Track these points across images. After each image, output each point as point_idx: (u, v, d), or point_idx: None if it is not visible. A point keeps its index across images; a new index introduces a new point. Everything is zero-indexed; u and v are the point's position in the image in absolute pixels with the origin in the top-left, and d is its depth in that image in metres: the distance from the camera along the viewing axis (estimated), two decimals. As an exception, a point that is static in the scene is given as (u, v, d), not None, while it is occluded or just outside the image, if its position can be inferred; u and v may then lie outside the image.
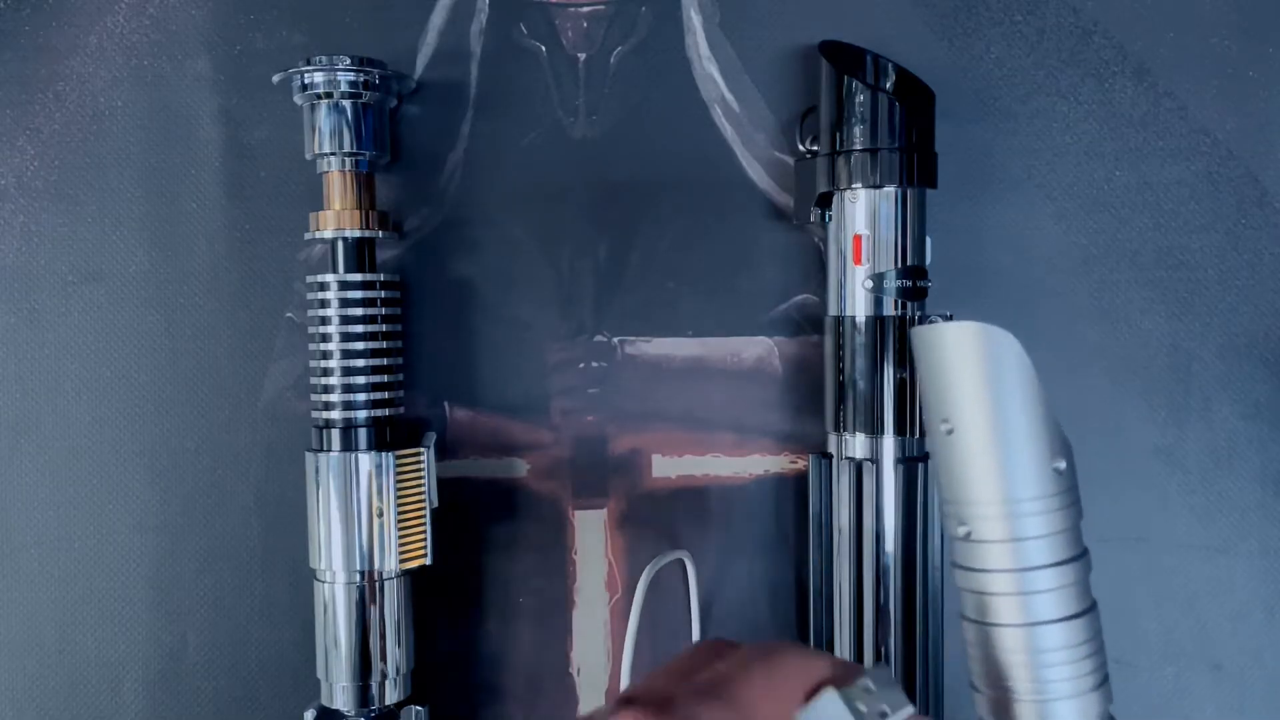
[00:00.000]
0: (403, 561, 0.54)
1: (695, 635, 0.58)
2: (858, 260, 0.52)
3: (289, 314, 0.58)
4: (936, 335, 0.37)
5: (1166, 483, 0.57)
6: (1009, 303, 0.56)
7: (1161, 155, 0.56)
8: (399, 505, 0.54)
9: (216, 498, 0.59)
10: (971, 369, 0.37)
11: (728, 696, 0.32)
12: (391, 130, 0.57)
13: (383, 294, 0.55)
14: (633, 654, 0.56)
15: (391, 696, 0.54)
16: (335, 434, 0.53)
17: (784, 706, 0.32)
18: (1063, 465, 0.37)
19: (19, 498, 0.59)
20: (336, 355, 0.53)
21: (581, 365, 0.58)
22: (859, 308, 0.52)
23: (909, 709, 0.31)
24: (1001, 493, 0.37)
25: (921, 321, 0.51)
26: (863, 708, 0.31)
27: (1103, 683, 0.39)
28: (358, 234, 0.54)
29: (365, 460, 0.53)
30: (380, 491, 0.53)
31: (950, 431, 0.37)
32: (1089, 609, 0.38)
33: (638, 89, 0.58)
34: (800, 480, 0.57)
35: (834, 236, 0.53)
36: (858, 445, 0.53)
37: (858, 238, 0.52)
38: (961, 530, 0.38)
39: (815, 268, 0.57)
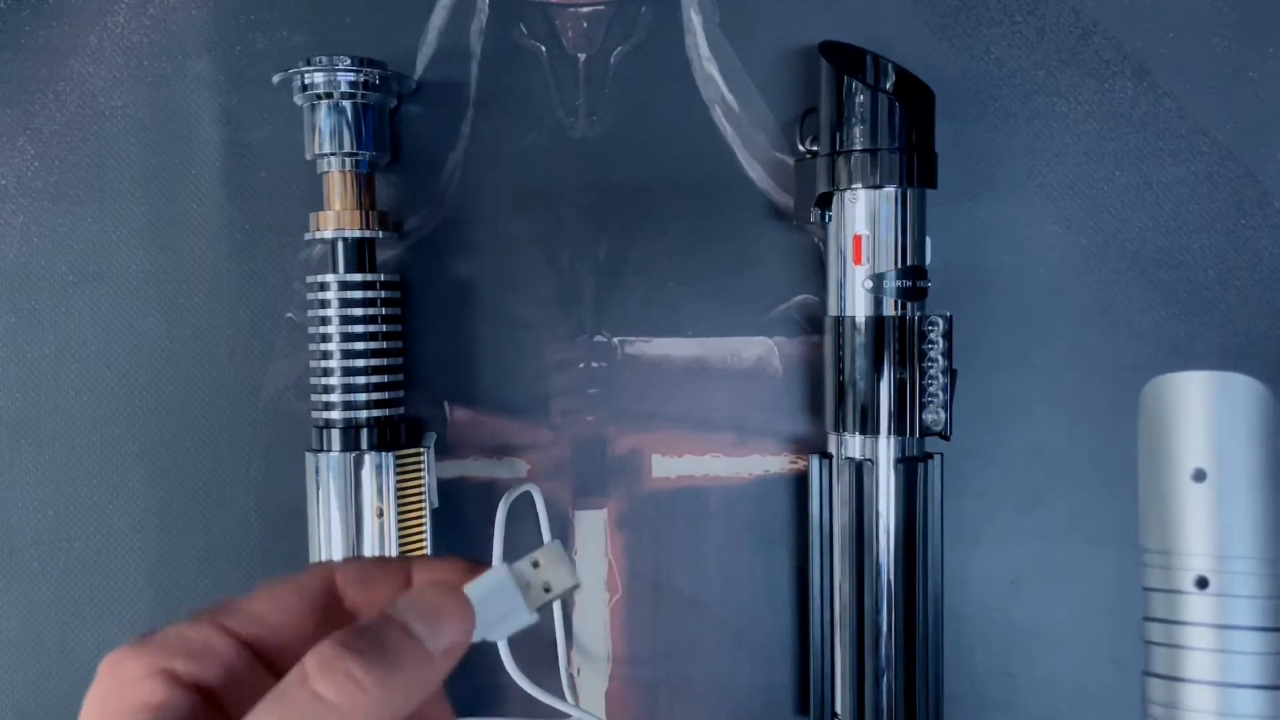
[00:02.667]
0: (403, 561, 0.54)
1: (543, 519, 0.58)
2: (858, 260, 0.52)
3: (289, 314, 0.58)
4: (1195, 383, 0.37)
5: (1166, 483, 0.57)
6: (1009, 303, 0.56)
7: (1161, 155, 0.56)
8: (399, 505, 0.54)
9: (216, 498, 0.59)
10: (1235, 418, 0.36)
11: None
12: (391, 130, 0.57)
13: (383, 294, 0.55)
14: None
15: (391, 696, 0.54)
16: (335, 434, 0.53)
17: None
18: None
19: (19, 498, 0.59)
20: (337, 355, 0.53)
21: (581, 365, 0.58)
22: (859, 308, 0.52)
23: (572, 581, 0.32)
24: (1254, 546, 0.36)
25: (923, 322, 0.51)
26: (529, 580, 0.32)
27: None
28: (358, 234, 0.54)
29: (365, 460, 0.53)
30: (380, 491, 0.53)
31: (1201, 478, 0.36)
32: None
33: (638, 89, 0.58)
34: (800, 480, 0.57)
35: (834, 236, 0.53)
36: (857, 445, 0.53)
37: (858, 238, 0.52)
38: (1187, 579, 0.36)
39: (815, 268, 0.57)
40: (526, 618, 0.32)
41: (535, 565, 0.32)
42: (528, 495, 0.58)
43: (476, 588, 0.31)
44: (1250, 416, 0.36)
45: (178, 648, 0.28)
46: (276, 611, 0.30)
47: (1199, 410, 0.36)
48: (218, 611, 0.30)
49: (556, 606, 0.58)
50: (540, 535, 0.57)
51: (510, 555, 0.56)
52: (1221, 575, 0.36)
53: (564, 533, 0.59)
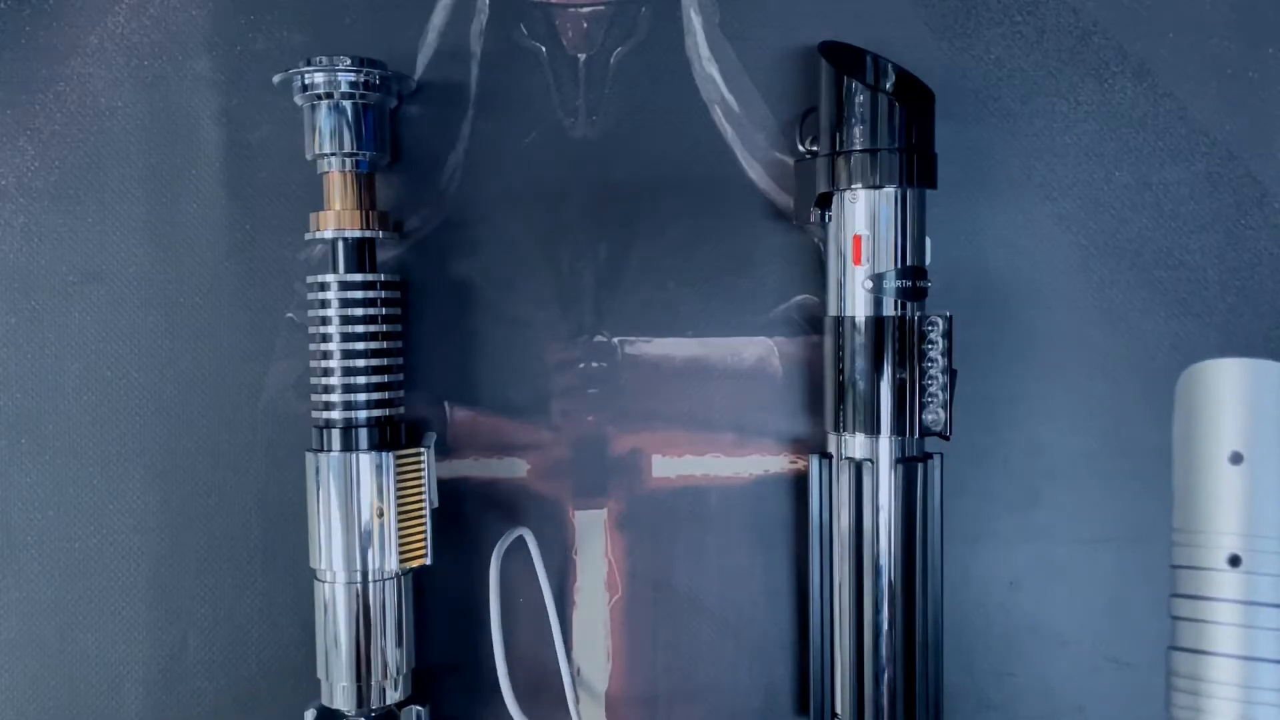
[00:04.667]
0: (403, 561, 0.54)
1: (550, 609, 0.57)
2: (857, 260, 0.52)
3: (289, 314, 0.58)
4: (1232, 369, 0.38)
5: (1166, 483, 0.57)
6: (1009, 303, 0.57)
7: (1161, 155, 0.56)
8: (399, 505, 0.54)
9: (216, 498, 0.59)
10: (1272, 404, 0.38)
11: None
12: (392, 130, 0.57)
13: (383, 294, 0.55)
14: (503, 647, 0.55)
15: (391, 696, 0.54)
16: (335, 434, 0.53)
17: None
18: None
19: (19, 498, 0.59)
20: (337, 355, 0.53)
21: (582, 365, 0.58)
22: (859, 308, 0.52)
23: None
24: None
25: (923, 322, 0.51)
26: None
27: None
28: (358, 234, 0.54)
29: (365, 460, 0.53)
30: (380, 491, 0.53)
31: (1238, 461, 0.37)
32: None
33: (638, 89, 0.58)
34: (800, 480, 0.57)
35: (834, 237, 0.53)
36: (857, 445, 0.53)
37: (857, 238, 0.52)
38: (1219, 557, 0.38)
39: (815, 268, 0.57)
40: None
41: None
42: (529, 494, 0.58)
43: None
44: None
45: None
46: None
47: (1236, 396, 0.37)
48: None
49: (556, 606, 0.58)
50: (538, 581, 0.57)
51: (506, 595, 0.56)
52: (1253, 554, 0.37)
53: (564, 533, 0.59)
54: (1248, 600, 0.37)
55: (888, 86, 0.52)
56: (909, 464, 0.52)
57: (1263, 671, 0.37)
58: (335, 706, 0.54)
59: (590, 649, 0.59)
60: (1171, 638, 0.38)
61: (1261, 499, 0.37)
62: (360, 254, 0.55)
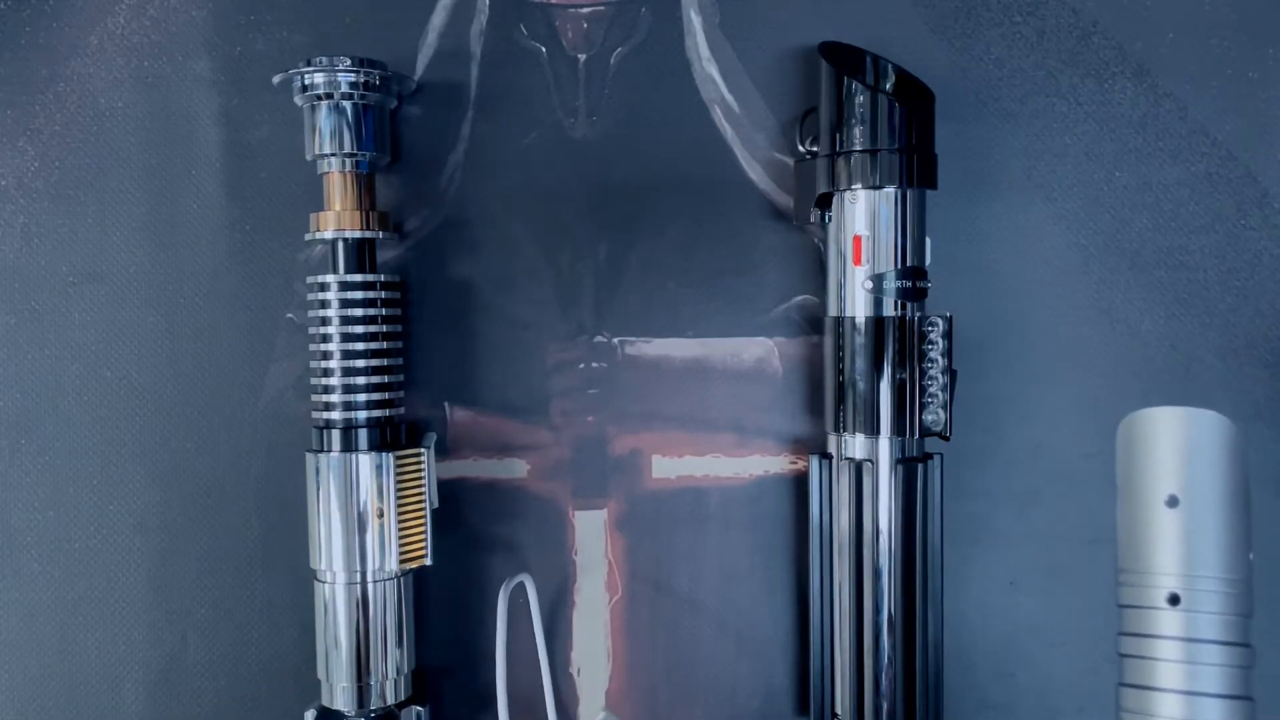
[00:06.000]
0: (403, 561, 0.54)
1: (542, 658, 0.57)
2: (857, 261, 0.52)
3: (289, 314, 0.58)
4: (1167, 418, 0.40)
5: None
6: (1009, 303, 0.56)
7: (1161, 156, 0.56)
8: (399, 505, 0.54)
9: (216, 498, 0.59)
10: (1205, 449, 0.40)
11: None
12: (392, 131, 0.57)
13: (383, 294, 0.55)
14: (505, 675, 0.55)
15: (391, 696, 0.54)
16: (335, 434, 0.53)
17: None
18: (1253, 557, 0.40)
19: (19, 498, 0.59)
20: (337, 356, 0.53)
21: (581, 366, 0.58)
22: (859, 308, 0.52)
23: None
24: (1221, 568, 0.38)
25: (923, 322, 0.51)
26: None
27: None
28: (358, 235, 0.54)
29: (365, 461, 0.53)
30: (380, 492, 0.53)
31: (1174, 504, 0.39)
32: (1249, 699, 0.40)
33: (638, 90, 0.58)
34: (800, 480, 0.57)
35: (834, 237, 0.53)
36: (857, 446, 0.53)
37: (857, 238, 0.52)
38: (1159, 596, 0.39)
39: (815, 268, 0.57)
40: None
41: None
42: (529, 494, 0.58)
43: None
44: (1218, 449, 0.40)
45: None
46: None
47: (1171, 443, 0.40)
48: None
49: (556, 607, 0.58)
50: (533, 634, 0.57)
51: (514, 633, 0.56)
52: (1191, 593, 0.39)
53: (564, 533, 0.59)
54: (1188, 637, 0.39)
55: (888, 86, 0.52)
56: (909, 464, 0.52)
57: (1205, 707, 0.39)
58: (335, 707, 0.54)
59: (590, 649, 0.59)
60: (1120, 674, 0.40)
61: (1197, 540, 0.39)
62: (360, 254, 0.55)
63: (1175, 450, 0.39)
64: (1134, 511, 0.40)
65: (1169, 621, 0.39)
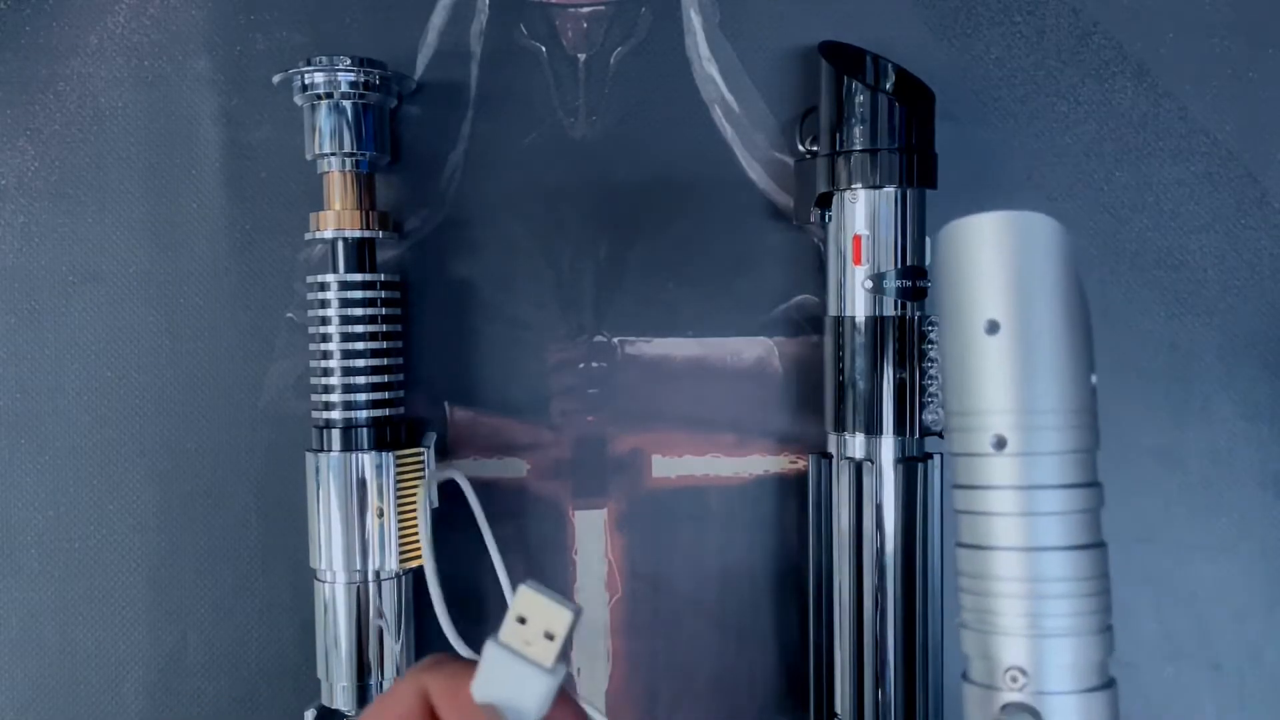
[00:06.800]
0: (403, 561, 0.54)
1: (495, 560, 0.56)
2: (857, 260, 0.52)
3: (289, 314, 0.58)
4: (989, 224, 0.34)
5: (1167, 483, 0.57)
6: (1009, 303, 0.56)
7: (1161, 155, 0.56)
8: (399, 505, 0.54)
9: (216, 498, 0.59)
10: (1029, 262, 0.33)
11: None
12: (392, 130, 0.57)
13: (383, 294, 0.55)
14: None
15: (391, 696, 0.54)
16: (335, 434, 0.53)
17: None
18: (1095, 380, 0.34)
19: (19, 498, 0.59)
20: (337, 355, 0.53)
21: (581, 365, 0.58)
22: (859, 308, 0.52)
23: (569, 614, 0.29)
24: (1054, 400, 0.33)
25: (923, 322, 0.51)
26: (526, 639, 0.29)
27: (1104, 629, 0.36)
28: (358, 234, 0.54)
29: (365, 460, 0.53)
30: (380, 491, 0.53)
31: (994, 330, 0.33)
32: (1100, 544, 0.35)
33: (638, 89, 0.58)
34: (800, 480, 0.57)
35: (834, 237, 0.53)
36: (857, 445, 0.53)
37: (857, 238, 0.52)
38: (985, 440, 0.33)
39: (815, 268, 0.57)
40: (548, 679, 0.29)
41: (522, 621, 0.29)
42: (529, 494, 0.58)
43: (482, 684, 0.29)
44: (1046, 261, 0.33)
45: None
46: None
47: (991, 257, 0.33)
48: None
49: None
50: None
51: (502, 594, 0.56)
52: (1021, 433, 0.33)
53: (564, 533, 0.59)
54: (1021, 484, 0.33)
55: (888, 86, 0.52)
56: (909, 464, 0.52)
57: (1048, 562, 0.33)
58: (335, 706, 0.54)
59: (590, 649, 0.59)
60: (957, 533, 0.35)
61: (1024, 371, 0.32)
62: (360, 254, 0.55)
63: (995, 266, 0.33)
64: (954, 341, 0.33)
65: (999, 469, 0.33)
